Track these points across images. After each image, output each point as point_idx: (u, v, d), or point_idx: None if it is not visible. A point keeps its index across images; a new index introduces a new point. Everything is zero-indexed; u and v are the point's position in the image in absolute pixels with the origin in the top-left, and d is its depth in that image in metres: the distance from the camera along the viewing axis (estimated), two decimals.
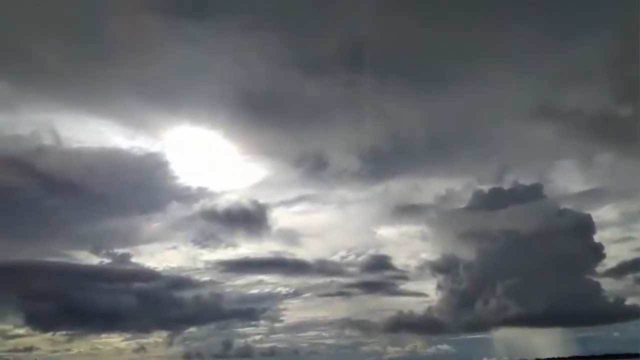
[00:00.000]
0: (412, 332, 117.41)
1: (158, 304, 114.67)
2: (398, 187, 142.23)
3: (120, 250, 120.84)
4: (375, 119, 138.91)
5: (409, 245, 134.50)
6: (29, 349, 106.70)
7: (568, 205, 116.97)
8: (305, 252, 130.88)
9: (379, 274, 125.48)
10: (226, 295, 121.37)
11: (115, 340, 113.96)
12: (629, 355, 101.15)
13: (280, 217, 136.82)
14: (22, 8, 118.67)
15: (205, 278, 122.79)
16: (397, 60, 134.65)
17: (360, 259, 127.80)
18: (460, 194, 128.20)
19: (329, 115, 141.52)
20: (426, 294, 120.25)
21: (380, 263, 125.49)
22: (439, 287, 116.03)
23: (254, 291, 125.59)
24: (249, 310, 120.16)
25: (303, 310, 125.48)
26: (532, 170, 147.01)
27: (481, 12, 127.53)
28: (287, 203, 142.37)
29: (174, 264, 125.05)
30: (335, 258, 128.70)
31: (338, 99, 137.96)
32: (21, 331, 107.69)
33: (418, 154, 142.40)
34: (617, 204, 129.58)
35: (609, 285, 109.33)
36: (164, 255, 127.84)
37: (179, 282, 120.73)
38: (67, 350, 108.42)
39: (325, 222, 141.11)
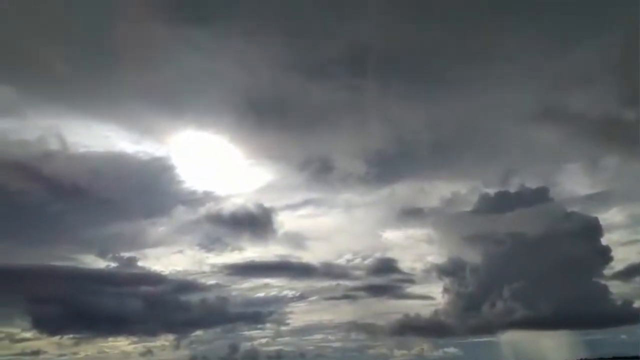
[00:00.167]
0: (419, 335, 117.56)
1: (164, 307, 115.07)
2: (404, 191, 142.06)
3: (126, 254, 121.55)
4: (380, 122, 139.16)
5: (415, 248, 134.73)
6: (36, 353, 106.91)
7: (575, 208, 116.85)
8: (311, 256, 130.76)
9: (385, 277, 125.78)
10: (232, 299, 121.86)
11: (122, 344, 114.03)
12: (637, 357, 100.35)
13: (286, 221, 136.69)
14: (28, 14, 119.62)
15: (212, 281, 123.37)
16: (401, 64, 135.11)
17: (366, 262, 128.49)
18: (466, 197, 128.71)
19: (334, 119, 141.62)
20: (433, 297, 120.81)
21: (386, 266, 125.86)
22: (446, 290, 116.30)
23: (260, 294, 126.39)
24: (255, 314, 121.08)
25: (309, 313, 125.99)
26: (538, 174, 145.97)
27: (485, 15, 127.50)
28: (293, 207, 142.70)
29: (180, 268, 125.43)
30: (341, 261, 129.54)
31: (343, 103, 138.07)
32: (28, 335, 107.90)
33: (423, 158, 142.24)
34: (624, 206, 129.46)
35: (616, 288, 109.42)
36: (170, 259, 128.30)
37: (185, 285, 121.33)
38: (74, 353, 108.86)
39: (331, 225, 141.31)
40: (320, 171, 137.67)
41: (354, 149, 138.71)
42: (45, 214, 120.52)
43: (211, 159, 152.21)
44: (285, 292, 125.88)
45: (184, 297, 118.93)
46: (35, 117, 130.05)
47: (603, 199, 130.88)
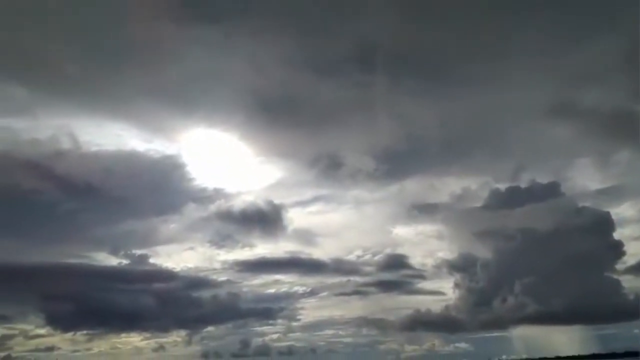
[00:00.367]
0: (430, 331, 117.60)
1: (176, 303, 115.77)
2: (413, 187, 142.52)
3: (138, 252, 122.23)
4: (390, 119, 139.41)
5: (425, 244, 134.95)
6: (50, 349, 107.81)
7: (586, 203, 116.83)
8: (321, 252, 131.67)
9: (395, 272, 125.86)
10: (243, 295, 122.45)
11: (134, 340, 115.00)
12: None
13: (296, 218, 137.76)
14: (39, 15, 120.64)
15: (223, 278, 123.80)
16: (410, 61, 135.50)
17: (376, 258, 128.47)
18: (476, 192, 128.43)
19: (344, 116, 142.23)
20: (443, 293, 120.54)
21: (396, 262, 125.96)
22: (456, 285, 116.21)
23: (271, 290, 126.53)
24: (266, 310, 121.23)
25: (320, 309, 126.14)
26: (549, 169, 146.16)
27: (495, 12, 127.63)
28: (303, 203, 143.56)
29: (191, 265, 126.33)
30: (352, 257, 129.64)
31: (352, 100, 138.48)
32: (42, 331, 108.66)
33: (433, 154, 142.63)
34: (636, 201, 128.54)
35: (628, 283, 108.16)
36: (181, 255, 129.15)
37: (196, 282, 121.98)
38: (88, 349, 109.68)
39: (341, 222, 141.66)
40: (330, 168, 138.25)
41: (364, 146, 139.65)
42: (58, 212, 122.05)
43: (222, 157, 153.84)
44: (295, 288, 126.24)
45: (195, 294, 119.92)
46: (47, 116, 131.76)
47: (615, 193, 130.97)
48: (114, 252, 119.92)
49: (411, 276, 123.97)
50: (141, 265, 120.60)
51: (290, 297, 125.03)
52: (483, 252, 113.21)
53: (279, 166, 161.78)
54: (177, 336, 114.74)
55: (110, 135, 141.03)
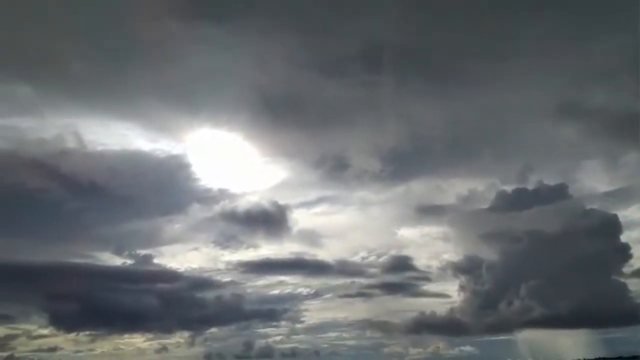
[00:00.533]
0: (434, 333, 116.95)
1: (180, 304, 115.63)
2: (419, 188, 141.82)
3: (142, 252, 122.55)
4: (396, 119, 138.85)
5: (430, 246, 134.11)
6: (53, 349, 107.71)
7: (594, 205, 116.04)
8: (325, 253, 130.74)
9: (400, 274, 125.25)
10: (247, 296, 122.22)
11: (137, 341, 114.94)
12: None
13: (301, 218, 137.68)
14: (45, 14, 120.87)
15: (227, 279, 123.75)
16: (417, 61, 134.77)
17: (381, 259, 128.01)
18: (483, 194, 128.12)
19: (349, 116, 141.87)
20: (448, 295, 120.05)
21: (401, 264, 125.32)
22: (462, 288, 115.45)
23: (275, 292, 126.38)
24: (270, 311, 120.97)
25: (324, 311, 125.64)
26: (557, 170, 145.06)
27: (503, 12, 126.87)
28: (308, 204, 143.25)
29: (195, 265, 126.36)
30: (356, 259, 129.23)
31: (358, 100, 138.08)
32: (45, 331, 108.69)
33: (439, 155, 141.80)
34: None
35: (635, 286, 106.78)
36: (185, 256, 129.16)
37: (200, 282, 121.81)
38: (91, 350, 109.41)
39: (345, 223, 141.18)
40: (335, 169, 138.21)
41: (369, 146, 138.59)
42: (63, 211, 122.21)
43: (227, 157, 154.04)
44: (300, 290, 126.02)
45: (199, 294, 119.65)
46: (53, 115, 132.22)
47: (622, 195, 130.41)
48: (118, 252, 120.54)
49: (416, 278, 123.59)
50: (145, 265, 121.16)
51: (294, 298, 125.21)
52: (489, 254, 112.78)
53: (284, 166, 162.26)
54: (180, 337, 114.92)
55: (116, 135, 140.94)
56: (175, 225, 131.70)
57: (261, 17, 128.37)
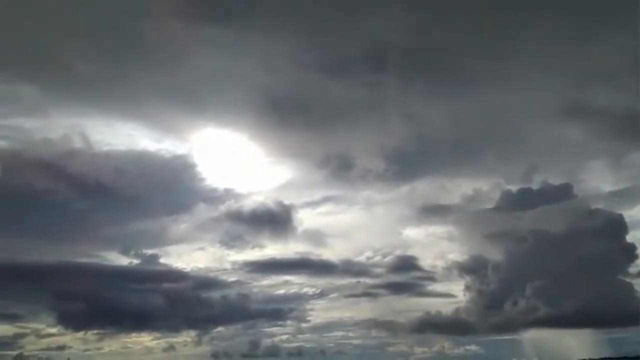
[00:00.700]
0: (440, 333, 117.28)
1: (186, 304, 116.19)
2: (424, 188, 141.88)
3: (149, 251, 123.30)
4: (400, 119, 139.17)
5: (436, 245, 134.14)
6: (61, 348, 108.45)
7: (599, 205, 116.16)
8: (331, 253, 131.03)
9: (405, 274, 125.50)
10: (253, 296, 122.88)
11: (145, 339, 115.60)
12: None
13: (306, 218, 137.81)
14: (52, 15, 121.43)
15: (233, 278, 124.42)
16: (421, 61, 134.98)
17: (386, 259, 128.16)
18: (487, 194, 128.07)
19: (354, 116, 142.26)
20: (454, 295, 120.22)
21: (406, 264, 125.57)
22: (467, 287, 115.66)
23: (281, 291, 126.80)
24: (276, 311, 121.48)
25: (329, 310, 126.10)
26: (562, 170, 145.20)
27: (507, 13, 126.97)
28: (313, 204, 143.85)
29: (201, 265, 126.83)
30: (362, 259, 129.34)
31: (363, 101, 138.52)
32: (54, 330, 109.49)
33: (444, 154, 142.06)
34: None
35: None
36: (191, 256, 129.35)
37: (206, 282, 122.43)
38: (99, 349, 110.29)
39: (351, 222, 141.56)
40: (340, 168, 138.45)
41: (374, 146, 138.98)
42: (69, 211, 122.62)
43: (232, 157, 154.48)
44: (305, 289, 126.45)
45: (205, 294, 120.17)
46: (59, 116, 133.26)
47: (628, 195, 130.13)
48: (125, 251, 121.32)
49: (421, 278, 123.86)
50: (152, 265, 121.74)
51: (299, 298, 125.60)
52: (494, 254, 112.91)
53: (289, 166, 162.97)
54: (187, 336, 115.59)
55: (122, 135, 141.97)
56: (181, 225, 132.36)
57: (266, 17, 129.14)
